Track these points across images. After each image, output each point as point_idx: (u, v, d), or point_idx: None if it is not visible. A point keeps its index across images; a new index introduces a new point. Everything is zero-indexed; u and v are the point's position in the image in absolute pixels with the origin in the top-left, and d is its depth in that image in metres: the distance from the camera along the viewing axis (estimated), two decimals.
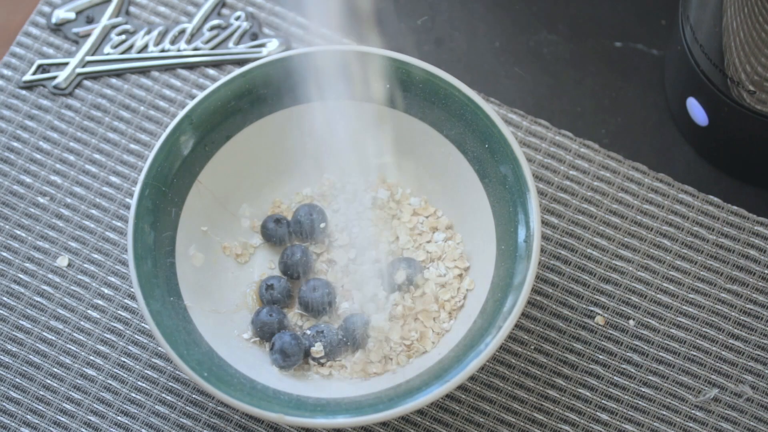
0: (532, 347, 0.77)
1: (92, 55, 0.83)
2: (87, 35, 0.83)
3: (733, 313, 0.77)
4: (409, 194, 0.78)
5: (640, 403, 0.76)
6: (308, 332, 0.75)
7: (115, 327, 0.78)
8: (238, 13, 0.84)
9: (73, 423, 0.76)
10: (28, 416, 0.76)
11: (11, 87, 0.82)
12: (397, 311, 0.75)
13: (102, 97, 0.82)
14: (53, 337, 0.77)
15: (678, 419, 0.75)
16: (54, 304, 0.78)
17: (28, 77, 0.82)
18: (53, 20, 0.84)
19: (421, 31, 0.85)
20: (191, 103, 0.75)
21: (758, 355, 0.76)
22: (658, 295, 0.78)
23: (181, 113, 0.75)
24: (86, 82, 0.82)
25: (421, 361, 0.74)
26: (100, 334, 0.77)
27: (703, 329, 0.77)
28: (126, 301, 0.78)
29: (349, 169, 0.79)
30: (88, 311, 0.78)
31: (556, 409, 0.76)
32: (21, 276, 0.79)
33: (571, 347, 0.77)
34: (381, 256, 0.77)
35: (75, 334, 0.77)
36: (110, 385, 0.77)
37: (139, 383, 0.77)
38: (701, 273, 0.78)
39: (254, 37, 0.83)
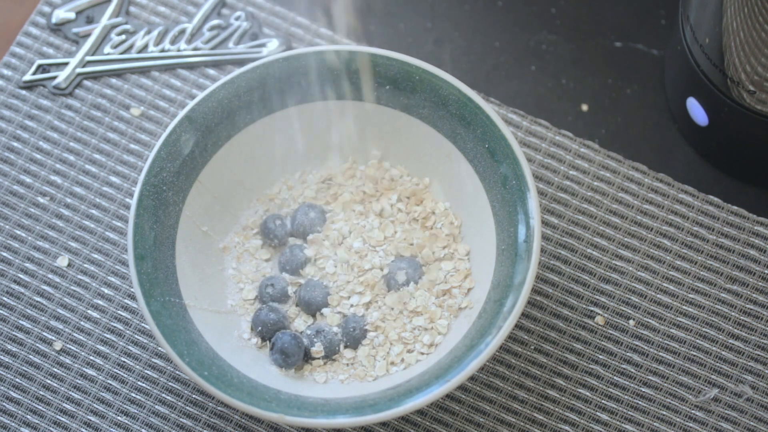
0: (532, 347, 0.77)
1: (92, 55, 0.83)
2: (87, 35, 0.83)
3: (733, 313, 0.77)
4: (410, 195, 0.78)
5: (640, 403, 0.76)
6: (308, 332, 0.75)
7: (115, 327, 0.78)
8: (238, 13, 0.84)
9: (73, 423, 0.76)
10: (28, 416, 0.76)
11: (11, 87, 0.82)
12: (396, 311, 0.75)
13: (102, 97, 0.82)
14: (53, 337, 0.77)
15: (678, 419, 0.75)
16: (54, 304, 0.78)
17: (28, 77, 0.82)
18: (53, 20, 0.84)
19: (421, 31, 0.85)
20: (191, 103, 0.75)
21: (758, 355, 0.76)
22: (658, 295, 0.78)
23: (181, 113, 0.75)
24: (86, 82, 0.82)
25: (421, 361, 0.74)
26: (100, 334, 0.77)
27: (703, 329, 0.77)
28: (126, 301, 0.78)
29: (348, 168, 0.79)
30: (88, 311, 0.78)
31: (556, 409, 0.76)
32: (21, 276, 0.79)
33: (571, 347, 0.77)
34: (381, 256, 0.77)
35: (75, 334, 0.77)
36: (110, 385, 0.77)
37: (139, 383, 0.77)
38: (701, 273, 0.78)
39: (254, 37, 0.83)
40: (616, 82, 0.83)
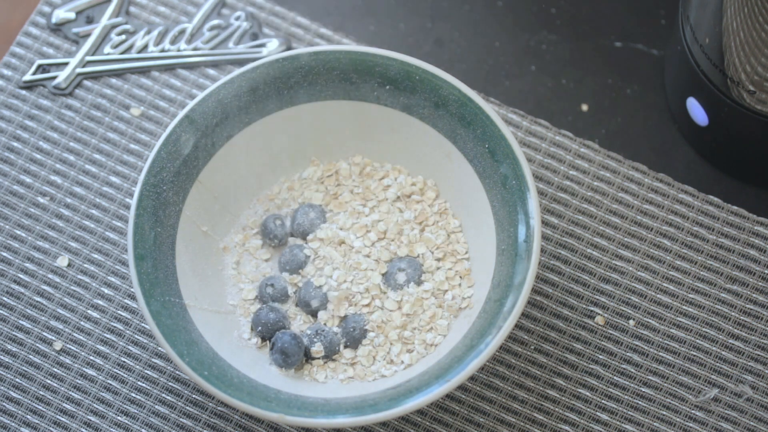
0: (532, 347, 0.77)
1: (92, 55, 0.83)
2: (87, 35, 0.83)
3: (733, 313, 0.77)
4: (410, 194, 0.78)
5: (640, 403, 0.76)
6: (308, 332, 0.75)
7: (115, 327, 0.78)
8: (238, 13, 0.84)
9: (73, 423, 0.76)
10: (28, 416, 0.76)
11: (11, 87, 0.82)
12: (396, 311, 0.75)
13: (102, 97, 0.82)
14: (53, 337, 0.77)
15: (678, 419, 0.75)
16: (54, 304, 0.78)
17: (28, 77, 0.82)
18: (53, 20, 0.84)
19: (421, 31, 0.85)
20: (191, 103, 0.75)
21: (758, 355, 0.76)
22: (658, 295, 0.78)
23: (181, 113, 0.75)
24: (86, 82, 0.82)
25: (421, 361, 0.74)
26: (100, 334, 0.77)
27: (703, 329, 0.77)
28: (126, 301, 0.78)
29: (348, 168, 0.79)
30: (88, 311, 0.78)
31: (556, 409, 0.76)
32: (21, 276, 0.79)
33: (571, 347, 0.77)
34: (381, 256, 0.77)
35: (75, 334, 0.77)
36: (110, 385, 0.77)
37: (139, 383, 0.77)
38: (701, 273, 0.78)
39: (254, 37, 0.83)
40: (616, 82, 0.83)
